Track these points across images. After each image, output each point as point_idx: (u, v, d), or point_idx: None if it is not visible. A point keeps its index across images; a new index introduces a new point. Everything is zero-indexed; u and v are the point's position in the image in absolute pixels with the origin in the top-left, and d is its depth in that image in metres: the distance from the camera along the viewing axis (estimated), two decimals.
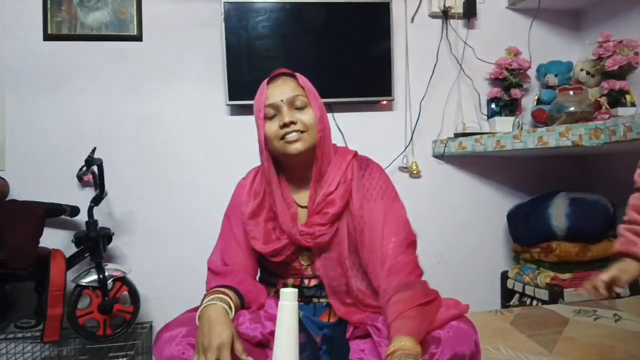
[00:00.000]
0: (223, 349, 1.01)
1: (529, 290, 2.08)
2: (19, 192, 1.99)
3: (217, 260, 1.32)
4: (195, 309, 1.23)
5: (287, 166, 1.28)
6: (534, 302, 2.04)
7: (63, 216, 2.00)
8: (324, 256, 1.27)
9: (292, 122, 1.20)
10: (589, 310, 1.66)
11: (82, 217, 2.00)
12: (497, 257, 2.36)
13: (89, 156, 1.91)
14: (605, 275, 0.91)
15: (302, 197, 1.30)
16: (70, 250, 1.93)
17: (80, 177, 2.05)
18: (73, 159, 2.03)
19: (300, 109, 1.23)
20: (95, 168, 1.93)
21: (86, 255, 1.94)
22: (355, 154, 1.33)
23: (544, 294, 1.98)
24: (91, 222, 1.91)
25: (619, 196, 2.10)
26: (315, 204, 1.25)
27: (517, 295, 2.18)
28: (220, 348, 1.01)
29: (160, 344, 1.12)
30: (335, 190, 1.25)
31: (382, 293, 1.16)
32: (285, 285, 1.32)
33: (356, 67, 2.21)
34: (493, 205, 2.34)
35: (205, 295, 1.19)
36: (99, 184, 1.92)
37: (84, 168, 1.99)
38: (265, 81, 1.26)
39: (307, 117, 1.22)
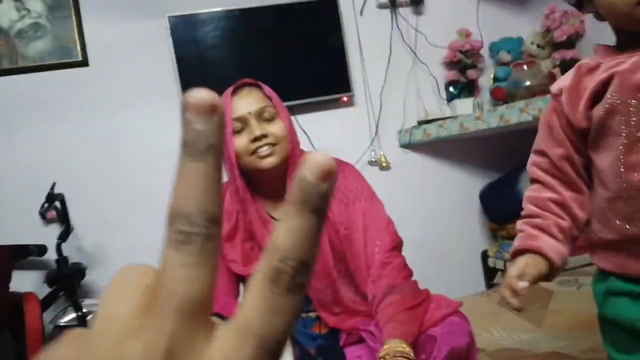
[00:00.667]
0: None
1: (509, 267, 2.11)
2: None
3: None
4: None
5: (260, 181, 1.22)
6: None
7: (31, 257, 1.92)
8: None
9: (264, 136, 1.14)
10: (571, 279, 1.69)
11: (51, 255, 1.93)
12: (476, 237, 2.38)
13: (49, 192, 1.84)
14: (513, 271, 0.84)
15: (278, 210, 1.25)
16: (44, 291, 1.86)
17: (43, 215, 1.98)
18: (34, 196, 1.95)
19: (269, 120, 1.17)
20: (57, 203, 1.86)
21: (61, 293, 1.87)
22: None
23: None
24: (61, 259, 1.84)
25: None
26: None
27: (499, 273, 2.21)
28: None
29: None
30: None
31: (372, 298, 1.13)
32: None
33: (312, 66, 2.19)
34: (464, 187, 2.36)
35: None
36: (63, 219, 1.85)
37: (46, 205, 1.92)
38: (229, 92, 1.19)
39: (277, 128, 1.16)
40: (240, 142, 1.15)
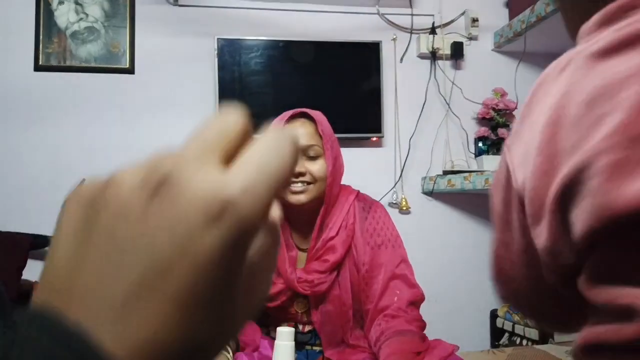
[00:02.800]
0: None
1: (518, 329, 2.07)
2: (3, 223, 1.94)
3: None
4: None
5: (290, 211, 1.22)
6: (524, 342, 2.03)
7: (47, 247, 1.95)
8: (322, 308, 1.22)
9: (301, 174, 1.15)
10: None
11: None
12: (486, 295, 2.35)
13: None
14: None
15: (303, 240, 1.25)
16: None
17: None
18: (60, 190, 1.99)
19: (312, 158, 1.17)
20: None
21: None
22: (358, 194, 1.29)
23: (534, 334, 1.97)
24: None
25: None
26: (315, 249, 1.20)
27: (506, 335, 2.16)
28: None
29: None
30: (337, 236, 1.19)
31: (379, 335, 1.13)
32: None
33: (347, 104, 2.24)
34: (481, 242, 2.34)
35: None
36: None
37: None
38: (284, 119, 1.20)
39: (317, 168, 1.17)
40: None
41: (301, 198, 1.16)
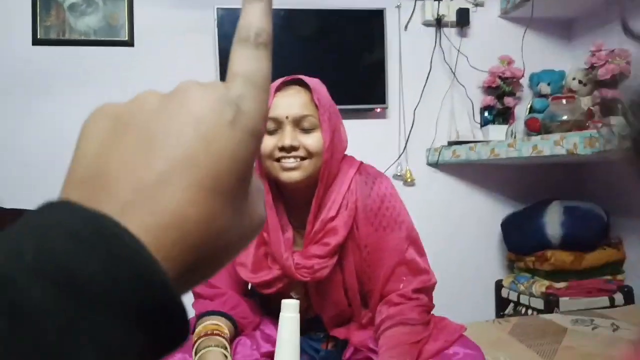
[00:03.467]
0: None
1: (523, 299, 2.07)
2: (3, 199, 1.93)
3: (207, 284, 1.15)
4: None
5: (283, 187, 1.11)
6: (529, 312, 2.03)
7: None
8: (323, 294, 1.13)
9: (293, 148, 1.03)
10: (586, 319, 1.65)
11: None
12: (492, 265, 2.35)
13: None
14: None
15: (300, 218, 1.13)
16: None
17: None
18: (60, 164, 1.98)
19: (306, 130, 1.04)
20: None
21: None
22: (360, 166, 1.16)
23: (539, 303, 1.98)
24: None
25: (611, 204, 2.11)
26: (313, 232, 1.08)
27: (511, 305, 2.17)
28: None
29: None
30: (337, 216, 1.08)
31: (381, 321, 1.06)
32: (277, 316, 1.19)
33: (350, 74, 2.20)
34: (487, 213, 2.33)
35: (196, 325, 1.07)
36: None
37: None
38: (274, 87, 1.06)
39: (312, 141, 1.04)
40: (268, 144, 1.04)
41: (294, 175, 1.03)
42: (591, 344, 1.44)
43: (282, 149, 1.02)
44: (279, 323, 1.00)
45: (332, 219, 1.08)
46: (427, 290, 1.11)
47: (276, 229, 1.09)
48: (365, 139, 2.22)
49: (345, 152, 1.17)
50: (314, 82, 1.09)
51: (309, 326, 1.16)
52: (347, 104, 2.19)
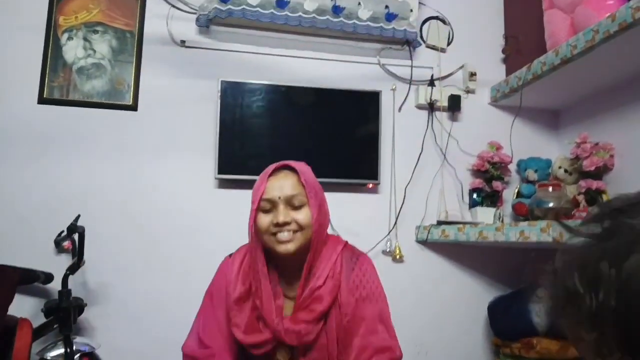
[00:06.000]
0: None
1: None
2: None
3: (194, 343, 1.26)
4: None
5: (278, 259, 1.26)
6: None
7: (36, 283, 1.93)
8: (308, 357, 1.23)
9: (286, 223, 1.19)
10: None
11: (54, 285, 1.93)
12: (478, 349, 2.32)
13: (72, 223, 1.87)
14: None
15: (291, 288, 1.27)
16: (38, 319, 1.84)
17: (58, 243, 2.00)
18: (52, 223, 1.99)
19: (297, 208, 1.21)
20: (76, 236, 1.89)
21: (55, 326, 1.85)
22: (346, 244, 1.32)
23: None
24: (65, 291, 1.84)
25: None
26: (302, 298, 1.22)
27: None
28: None
29: None
30: (323, 285, 1.22)
31: None
32: None
33: (345, 150, 2.27)
34: (474, 295, 2.34)
35: None
36: (78, 252, 1.87)
37: (64, 234, 1.95)
38: (267, 173, 1.25)
39: (302, 216, 1.21)
40: (264, 221, 1.21)
41: (289, 247, 1.19)
42: None
43: (276, 225, 1.19)
44: None
45: (319, 287, 1.22)
46: None
47: (269, 296, 1.22)
48: (357, 213, 2.27)
49: (336, 226, 1.32)
50: (300, 165, 1.27)
51: None
52: (341, 178, 2.25)
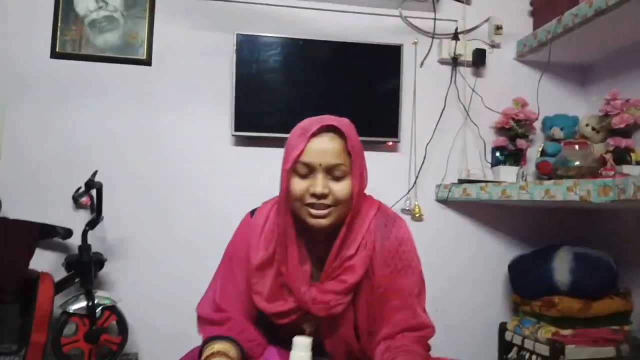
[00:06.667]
0: None
1: (528, 344, 2.03)
2: (11, 209, 1.92)
3: (209, 306, 1.17)
4: (195, 354, 1.13)
5: (306, 224, 1.11)
6: (533, 357, 1.99)
7: (56, 238, 1.93)
8: (334, 330, 1.14)
9: (323, 195, 1.05)
10: None
11: (73, 240, 1.94)
12: (496, 307, 2.32)
13: (89, 179, 1.86)
14: None
15: (320, 254, 1.14)
16: (59, 273, 1.85)
17: (76, 199, 2.00)
18: (70, 179, 1.98)
19: (337, 178, 1.06)
20: (94, 192, 1.87)
21: (76, 280, 1.87)
22: (380, 207, 1.19)
23: (544, 350, 1.93)
24: (84, 246, 1.84)
25: (620, 253, 2.09)
26: (332, 267, 1.10)
27: (515, 349, 2.12)
28: None
29: None
30: (355, 255, 1.10)
31: (384, 350, 1.06)
32: (282, 343, 1.19)
33: (364, 106, 2.21)
34: (494, 254, 2.31)
35: (202, 350, 1.08)
36: (96, 208, 1.86)
37: (82, 190, 1.94)
38: (309, 131, 1.06)
39: (342, 189, 1.06)
40: (299, 188, 1.06)
41: (322, 222, 1.06)
42: None
43: (313, 194, 1.05)
44: None
45: (351, 257, 1.10)
46: (427, 340, 1.12)
47: (296, 262, 1.11)
48: (376, 171, 2.18)
49: None
50: (347, 128, 1.10)
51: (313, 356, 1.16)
52: (360, 135, 2.18)
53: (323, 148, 1.05)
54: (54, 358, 1.77)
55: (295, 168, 1.06)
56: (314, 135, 1.06)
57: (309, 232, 1.13)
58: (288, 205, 1.10)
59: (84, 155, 2.03)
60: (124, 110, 2.10)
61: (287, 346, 1.07)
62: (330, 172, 1.06)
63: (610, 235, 2.24)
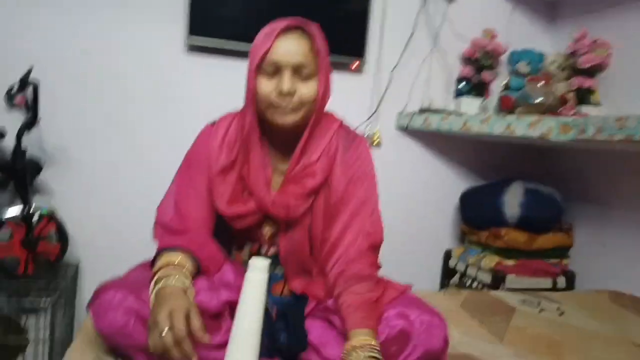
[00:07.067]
0: (175, 313, 0.88)
1: (471, 271, 2.12)
2: None
3: (170, 212, 1.16)
4: (144, 267, 1.12)
5: (271, 128, 1.14)
6: (474, 284, 2.09)
7: None
8: (290, 234, 1.17)
9: (290, 94, 1.06)
10: (534, 301, 1.70)
11: (7, 143, 1.77)
12: (444, 235, 2.38)
13: (24, 75, 1.66)
14: None
15: (281, 161, 1.18)
16: None
17: (10, 97, 1.80)
18: (4, 75, 1.77)
19: (304, 78, 1.07)
20: (29, 90, 1.69)
21: (9, 185, 1.72)
22: (341, 123, 1.22)
23: (486, 278, 2.03)
24: (18, 149, 1.68)
25: (567, 190, 2.17)
26: (294, 172, 1.15)
27: (457, 274, 2.21)
28: (172, 313, 0.88)
29: (100, 305, 0.99)
30: (317, 162, 1.14)
31: (336, 277, 1.10)
32: (240, 249, 1.22)
33: (332, 21, 2.06)
34: (448, 183, 2.34)
35: (156, 258, 1.05)
36: (32, 108, 1.69)
37: (16, 87, 1.74)
38: (276, 30, 1.06)
39: (308, 90, 1.08)
40: (266, 87, 1.07)
41: (288, 119, 1.08)
42: (538, 326, 1.49)
43: (280, 93, 1.06)
44: (245, 283, 0.96)
45: (313, 163, 1.14)
46: (379, 247, 1.17)
47: (258, 166, 1.14)
48: (338, 93, 2.10)
49: None
50: (314, 28, 1.11)
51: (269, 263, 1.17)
52: None
53: (290, 47, 1.06)
54: None
55: (262, 67, 1.07)
56: (281, 33, 1.06)
57: (271, 138, 1.17)
58: (253, 107, 1.12)
59: (21, 51, 1.81)
60: (67, 6, 1.87)
61: (243, 264, 1.09)
62: (297, 71, 1.06)
63: (561, 173, 2.31)
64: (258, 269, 0.95)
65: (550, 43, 2.35)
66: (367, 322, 0.99)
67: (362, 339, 0.96)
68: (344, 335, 1.02)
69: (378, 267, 1.16)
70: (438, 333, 1.03)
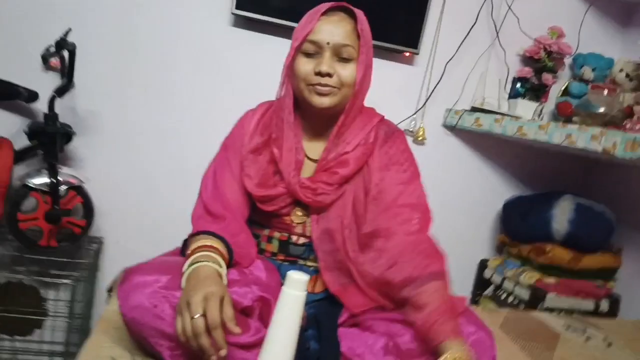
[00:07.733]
0: (212, 297, 0.83)
1: (507, 285, 2.00)
2: None
3: (213, 196, 1.13)
4: (176, 253, 1.08)
5: (307, 111, 1.14)
6: (509, 298, 1.97)
7: (18, 100, 1.68)
8: (322, 223, 1.13)
9: (329, 75, 1.05)
10: (579, 328, 1.59)
11: (39, 106, 1.70)
12: (481, 243, 2.26)
13: (61, 38, 1.57)
14: None
15: (314, 149, 1.16)
16: (21, 141, 1.63)
17: (45, 59, 1.72)
18: (40, 35, 1.69)
19: (344, 60, 1.06)
20: (65, 53, 1.60)
21: (39, 152, 1.65)
22: (382, 118, 1.20)
23: (524, 294, 1.91)
24: (51, 115, 1.61)
25: (619, 210, 2.02)
26: (326, 160, 1.13)
27: (492, 287, 2.10)
28: (207, 299, 0.83)
29: (128, 287, 0.94)
30: (352, 152, 1.12)
31: (407, 277, 0.99)
32: (270, 239, 1.17)
33: (385, 8, 1.93)
34: (490, 190, 2.21)
35: (191, 241, 1.02)
36: (67, 72, 1.60)
37: (52, 49, 1.66)
38: (320, 10, 1.07)
39: (347, 73, 1.07)
40: (305, 67, 1.07)
41: (325, 101, 1.07)
42: (585, 357, 1.38)
43: (318, 73, 1.05)
44: (280, 297, 0.89)
45: (347, 152, 1.12)
46: (429, 228, 1.13)
47: (290, 148, 1.12)
48: (386, 82, 2.01)
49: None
50: (359, 12, 1.10)
51: (300, 254, 1.17)
52: (376, 39, 1.94)
53: (332, 27, 1.05)
54: (8, 235, 1.61)
55: (303, 47, 1.06)
56: (324, 14, 1.07)
57: (306, 124, 1.16)
58: (290, 87, 1.11)
59: (58, 10, 1.73)
60: None
61: (272, 256, 1.16)
62: (338, 52, 1.06)
63: (612, 191, 2.15)
64: (295, 285, 0.87)
65: (619, 49, 2.17)
66: (456, 331, 0.91)
67: (453, 352, 0.87)
68: (389, 339, 0.98)
69: (441, 252, 1.08)
70: (489, 354, 0.96)
